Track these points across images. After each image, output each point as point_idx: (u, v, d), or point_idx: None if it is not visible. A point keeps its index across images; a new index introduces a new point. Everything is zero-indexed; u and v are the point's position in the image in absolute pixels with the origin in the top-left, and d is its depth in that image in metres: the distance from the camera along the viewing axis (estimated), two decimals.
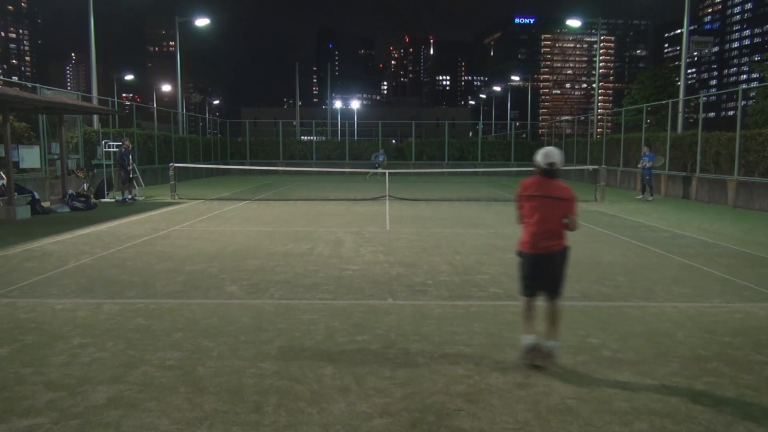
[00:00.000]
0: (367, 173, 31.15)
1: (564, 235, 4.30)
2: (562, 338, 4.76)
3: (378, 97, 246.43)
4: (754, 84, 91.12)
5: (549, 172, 4.26)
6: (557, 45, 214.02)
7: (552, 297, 4.32)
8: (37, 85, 18.15)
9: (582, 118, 40.88)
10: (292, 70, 58.88)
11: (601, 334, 4.93)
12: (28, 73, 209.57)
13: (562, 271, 4.32)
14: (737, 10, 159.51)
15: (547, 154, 4.27)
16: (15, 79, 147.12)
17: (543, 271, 4.28)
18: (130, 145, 17.57)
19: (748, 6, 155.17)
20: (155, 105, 56.49)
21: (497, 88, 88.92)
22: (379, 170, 31.34)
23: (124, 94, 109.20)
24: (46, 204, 14.80)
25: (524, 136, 46.15)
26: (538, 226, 4.26)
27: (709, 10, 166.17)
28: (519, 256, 4.43)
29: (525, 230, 4.37)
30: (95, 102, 23.17)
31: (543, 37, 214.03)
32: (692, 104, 32.22)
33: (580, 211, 14.61)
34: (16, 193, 13.01)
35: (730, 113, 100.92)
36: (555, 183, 4.26)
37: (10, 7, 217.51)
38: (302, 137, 47.21)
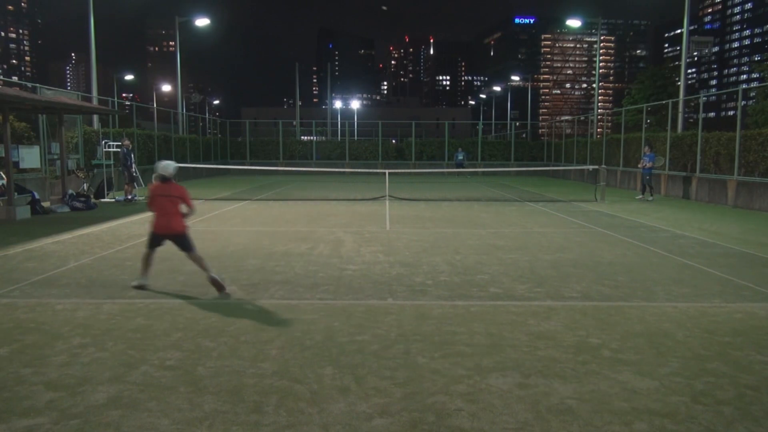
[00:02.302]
0: (464, 174, 31.73)
1: (182, 220, 6.37)
2: (560, 336, 4.84)
3: (378, 97, 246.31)
4: (754, 84, 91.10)
5: (163, 179, 6.41)
6: (557, 45, 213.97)
7: (186, 251, 6.38)
8: (37, 85, 18.15)
9: (582, 118, 40.89)
10: (292, 70, 58.86)
11: (601, 334, 4.93)
12: (28, 73, 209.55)
13: (185, 240, 6.37)
14: (737, 10, 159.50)
15: (162, 167, 6.42)
16: (15, 79, 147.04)
17: (163, 241, 6.45)
18: (130, 145, 17.58)
19: (748, 6, 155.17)
20: (155, 105, 56.54)
21: (497, 88, 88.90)
22: (463, 170, 31.80)
23: (124, 94, 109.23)
24: (46, 204, 14.79)
25: (524, 136, 46.13)
26: (161, 215, 6.33)
27: (709, 10, 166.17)
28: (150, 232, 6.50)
29: (155, 217, 6.37)
30: (95, 102, 23.17)
31: (543, 37, 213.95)
32: (692, 104, 32.21)
33: (581, 211, 14.67)
34: (16, 193, 13.01)
35: (730, 113, 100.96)
36: (170, 185, 6.41)
37: (10, 7, 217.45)
38: (302, 137, 47.19)
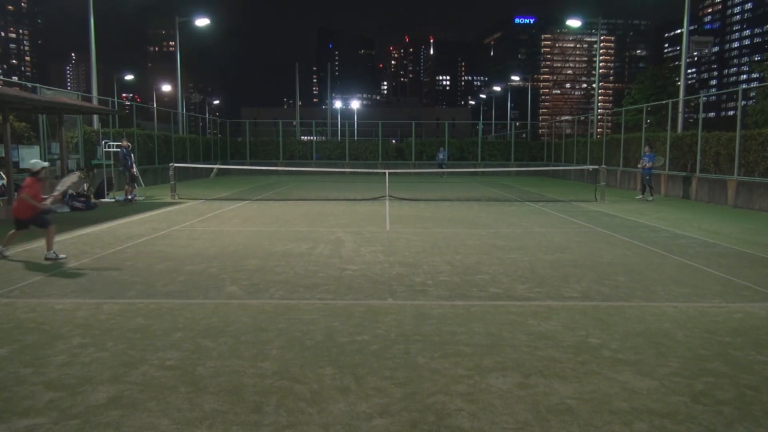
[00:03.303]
0: (440, 174, 31.66)
1: (31, 208, 7.88)
2: (560, 336, 4.86)
3: (378, 97, 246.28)
4: (754, 84, 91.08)
5: (30, 173, 8.06)
6: (557, 45, 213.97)
7: (41, 227, 7.97)
8: (37, 85, 18.14)
9: (582, 118, 40.87)
10: (292, 70, 58.83)
11: (601, 334, 4.93)
12: (28, 73, 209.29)
13: (38, 221, 7.94)
14: (737, 10, 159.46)
15: (30, 164, 8.24)
16: (15, 79, 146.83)
17: (19, 224, 8.02)
18: (129, 145, 17.58)
19: (748, 6, 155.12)
20: (155, 105, 56.50)
21: (497, 88, 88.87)
22: (444, 169, 31.80)
23: (124, 94, 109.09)
24: None
25: (524, 136, 46.14)
26: (17, 201, 8.04)
27: (709, 10, 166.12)
28: None
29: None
30: (95, 102, 23.17)
31: (543, 37, 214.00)
32: (692, 104, 32.21)
33: (581, 211, 14.69)
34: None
35: (730, 113, 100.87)
36: (30, 179, 7.97)
37: (10, 7, 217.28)
38: (302, 137, 47.17)
